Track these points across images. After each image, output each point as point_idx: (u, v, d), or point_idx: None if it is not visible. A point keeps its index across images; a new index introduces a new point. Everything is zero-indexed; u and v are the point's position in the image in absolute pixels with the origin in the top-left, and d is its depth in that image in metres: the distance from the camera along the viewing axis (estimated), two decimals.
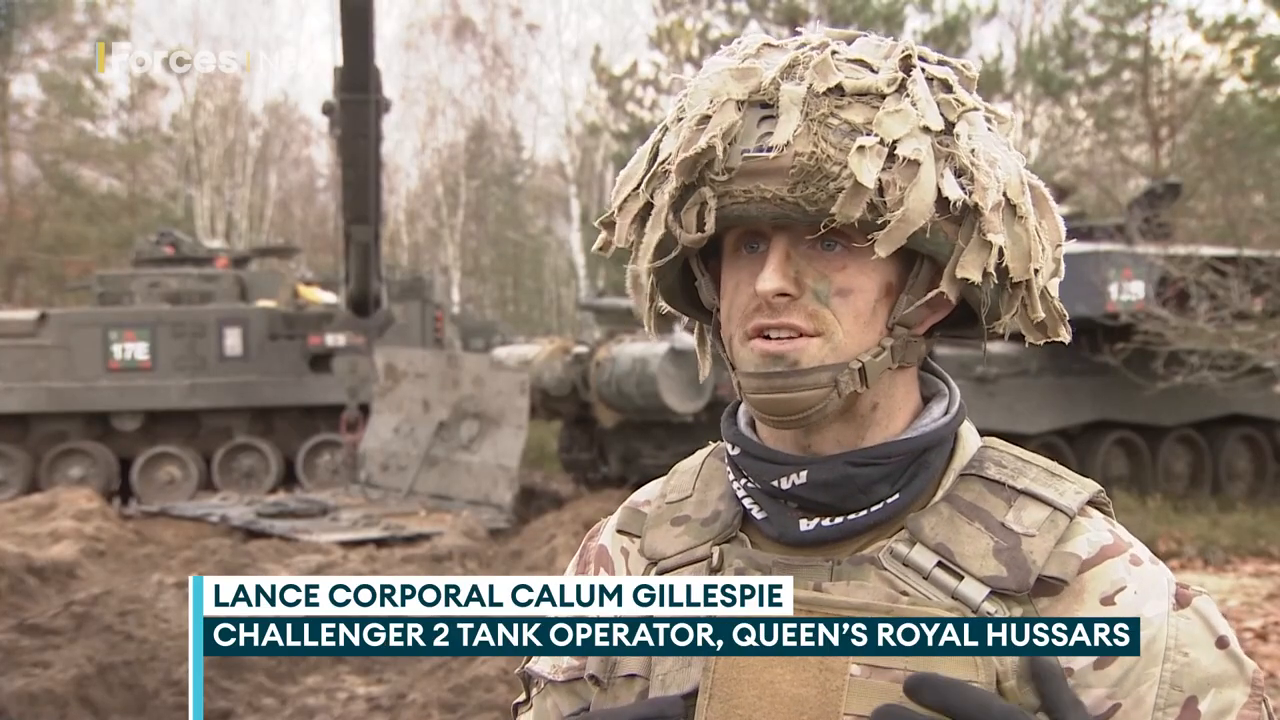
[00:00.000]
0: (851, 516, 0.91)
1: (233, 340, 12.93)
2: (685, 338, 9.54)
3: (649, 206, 0.92)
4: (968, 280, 0.88)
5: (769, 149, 0.84)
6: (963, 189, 0.86)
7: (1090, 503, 0.92)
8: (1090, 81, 22.68)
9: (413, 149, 31.62)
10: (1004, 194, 0.87)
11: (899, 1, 22.28)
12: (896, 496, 0.91)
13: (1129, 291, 9.77)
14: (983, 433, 0.99)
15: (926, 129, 0.86)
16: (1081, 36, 22.71)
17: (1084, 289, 9.26)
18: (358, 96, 9.99)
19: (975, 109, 0.89)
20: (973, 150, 0.87)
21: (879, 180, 0.84)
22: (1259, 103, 17.82)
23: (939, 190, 0.85)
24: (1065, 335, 0.96)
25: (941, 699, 0.79)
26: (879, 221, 0.84)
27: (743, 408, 1.00)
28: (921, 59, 0.89)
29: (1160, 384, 9.49)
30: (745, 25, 22.98)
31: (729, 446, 0.98)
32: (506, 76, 30.78)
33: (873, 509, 0.91)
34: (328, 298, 14.15)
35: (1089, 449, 10.57)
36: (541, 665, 1.04)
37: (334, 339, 12.69)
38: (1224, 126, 18.15)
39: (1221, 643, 0.87)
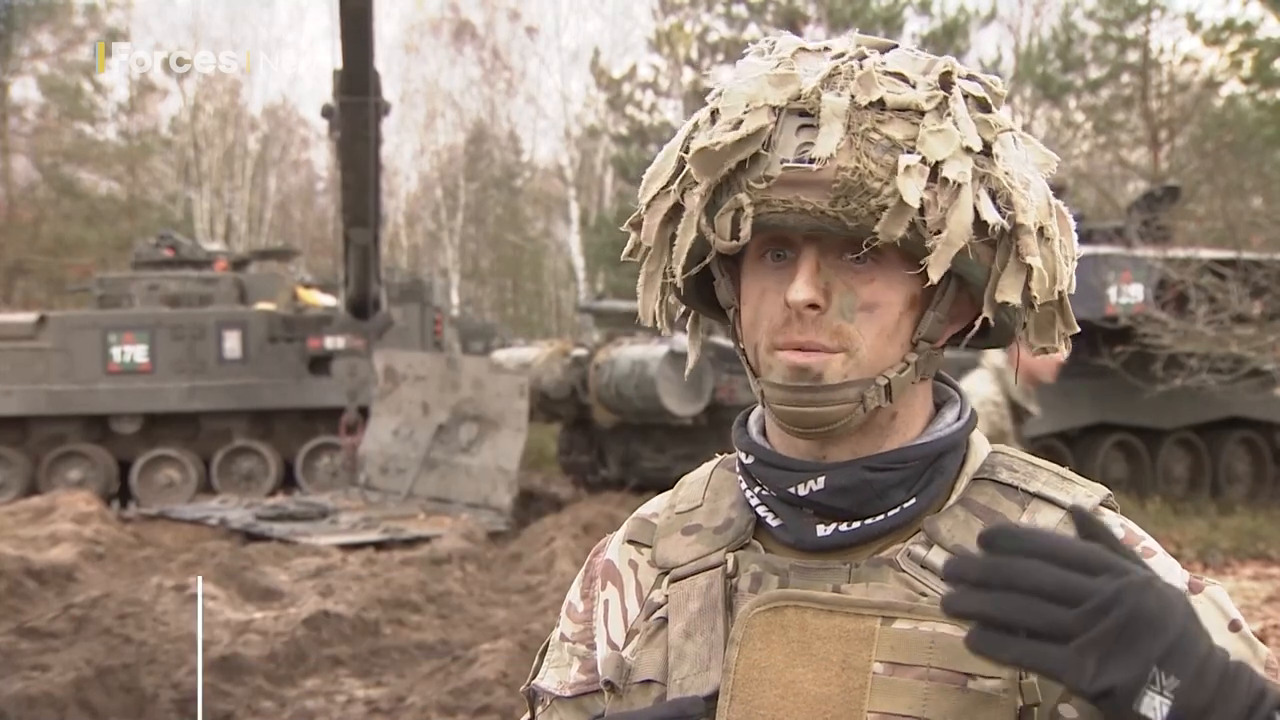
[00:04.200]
0: (869, 521, 0.91)
1: (232, 343, 12.91)
2: (685, 341, 9.53)
3: (678, 208, 0.92)
4: (1007, 303, 0.88)
5: (811, 160, 0.84)
6: (1000, 212, 0.86)
7: (1101, 505, 0.93)
8: (1089, 84, 22.67)
9: (412, 152, 31.66)
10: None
11: (898, 4, 22.31)
12: (913, 501, 0.91)
13: (1128, 294, 9.77)
14: None
15: (968, 150, 0.86)
16: (1080, 39, 22.69)
17: (1083, 292, 9.03)
18: (357, 99, 9.99)
19: (1009, 129, 0.90)
20: (1007, 172, 0.87)
21: (921, 199, 0.84)
22: (1258, 106, 17.80)
23: (976, 213, 0.85)
24: (1066, 350, 0.97)
25: (1018, 545, 0.72)
26: (925, 244, 0.85)
27: (753, 415, 1.00)
28: (956, 75, 0.90)
29: (1159, 387, 9.48)
30: (744, 28, 23.01)
31: (742, 455, 0.97)
32: (506, 79, 30.84)
33: (890, 513, 0.91)
34: (327, 300, 14.12)
35: (1088, 452, 10.55)
36: (549, 682, 1.03)
37: (333, 342, 12.66)
38: (1223, 129, 18.15)
39: (1234, 626, 0.88)
